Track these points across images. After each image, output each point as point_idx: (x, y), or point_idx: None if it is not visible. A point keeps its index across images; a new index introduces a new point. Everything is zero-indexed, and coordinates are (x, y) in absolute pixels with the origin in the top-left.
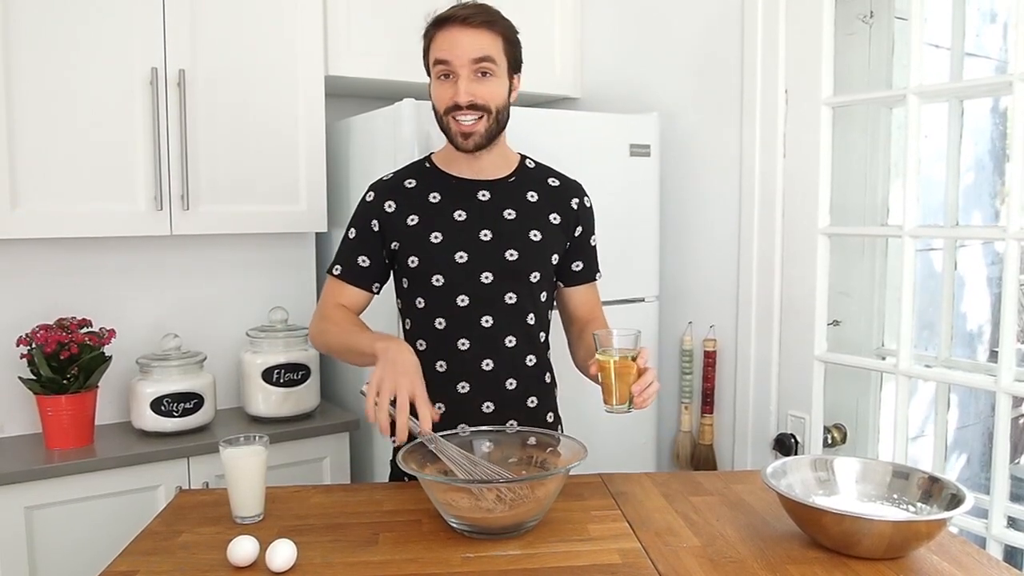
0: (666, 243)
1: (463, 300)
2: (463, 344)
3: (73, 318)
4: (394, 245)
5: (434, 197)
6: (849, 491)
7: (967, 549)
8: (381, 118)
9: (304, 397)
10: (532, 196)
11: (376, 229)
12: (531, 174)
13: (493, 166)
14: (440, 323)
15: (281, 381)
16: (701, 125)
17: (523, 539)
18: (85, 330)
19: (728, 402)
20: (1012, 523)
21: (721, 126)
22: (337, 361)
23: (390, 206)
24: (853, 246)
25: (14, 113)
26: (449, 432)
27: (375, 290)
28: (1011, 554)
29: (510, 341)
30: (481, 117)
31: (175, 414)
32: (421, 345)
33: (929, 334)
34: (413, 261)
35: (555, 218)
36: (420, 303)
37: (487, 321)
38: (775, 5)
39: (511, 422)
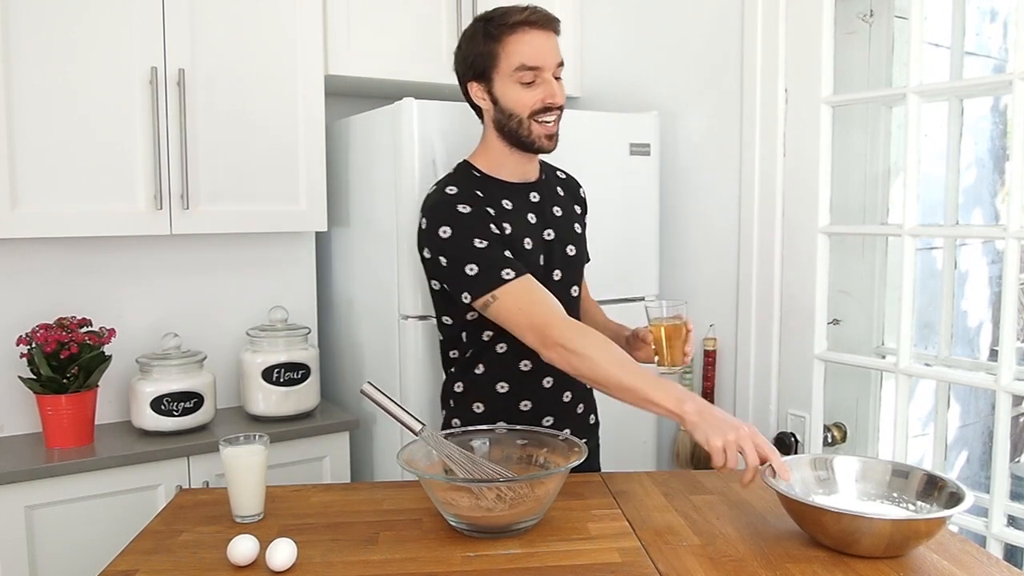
0: (666, 242)
1: None
2: None
3: (73, 317)
4: None
5: (506, 204)
6: (849, 490)
7: (967, 548)
8: (381, 117)
9: (304, 396)
10: (560, 192)
11: (497, 232)
12: (549, 171)
13: (535, 167)
14: None
15: (281, 380)
16: (701, 124)
17: (523, 538)
18: (85, 329)
19: (728, 401)
20: (1012, 522)
21: (721, 125)
22: (337, 361)
23: (491, 211)
24: (853, 245)
25: (14, 113)
26: (450, 431)
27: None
28: (1011, 553)
29: None
30: (558, 118)
31: (175, 413)
32: (502, 348)
33: (929, 333)
34: None
35: (578, 209)
36: None
37: None
38: (775, 4)
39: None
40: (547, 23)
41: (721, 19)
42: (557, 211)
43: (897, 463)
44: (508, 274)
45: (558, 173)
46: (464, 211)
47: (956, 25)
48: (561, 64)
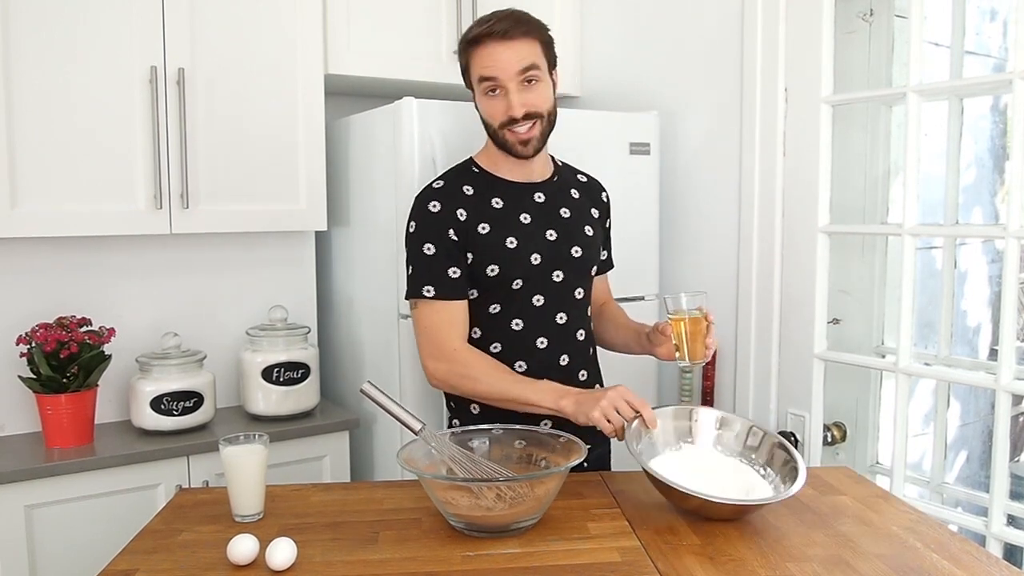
0: (666, 241)
1: (538, 300)
2: (541, 343)
3: (73, 317)
4: (468, 256)
5: (496, 203)
6: (707, 440)
7: (967, 547)
8: (381, 116)
9: (304, 396)
10: (575, 194)
11: (455, 238)
12: (566, 172)
13: (542, 167)
14: (517, 324)
15: (281, 380)
16: (701, 123)
17: (523, 537)
18: (85, 329)
19: (728, 400)
20: (1012, 521)
21: (721, 124)
22: (337, 360)
23: (461, 214)
24: (853, 244)
25: (14, 112)
26: (449, 431)
27: (471, 296)
28: (1011, 552)
29: (580, 334)
30: (535, 123)
31: (175, 413)
32: (496, 348)
33: (929, 332)
34: (493, 270)
35: (595, 212)
36: (494, 308)
37: (561, 318)
38: (775, 4)
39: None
40: (506, 33)
41: (721, 19)
42: (565, 212)
43: (754, 425)
44: (428, 291)
45: (579, 176)
46: (432, 209)
47: (956, 24)
48: (528, 69)
